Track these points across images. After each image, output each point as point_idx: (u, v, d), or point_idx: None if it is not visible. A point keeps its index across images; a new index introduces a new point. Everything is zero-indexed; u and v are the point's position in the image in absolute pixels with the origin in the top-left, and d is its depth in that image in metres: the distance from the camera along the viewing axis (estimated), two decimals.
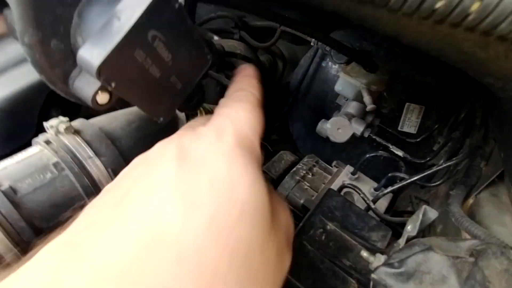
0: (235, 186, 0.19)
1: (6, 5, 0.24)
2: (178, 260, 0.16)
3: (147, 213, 0.18)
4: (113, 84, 0.23)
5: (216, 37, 0.79)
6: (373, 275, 0.29)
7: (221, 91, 0.82)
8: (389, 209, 0.55)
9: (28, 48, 0.22)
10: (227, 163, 0.20)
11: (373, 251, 0.35)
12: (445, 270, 0.27)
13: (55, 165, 0.36)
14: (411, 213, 0.62)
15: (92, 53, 0.21)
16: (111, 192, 0.23)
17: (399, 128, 0.71)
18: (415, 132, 0.70)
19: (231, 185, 0.19)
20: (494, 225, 0.38)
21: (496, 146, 0.45)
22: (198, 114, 0.40)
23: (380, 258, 0.33)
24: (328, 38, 0.55)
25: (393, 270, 0.28)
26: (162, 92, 0.28)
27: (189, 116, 0.44)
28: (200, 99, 0.35)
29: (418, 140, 0.64)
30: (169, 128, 0.52)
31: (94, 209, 0.22)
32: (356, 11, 0.18)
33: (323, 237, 0.36)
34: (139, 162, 0.25)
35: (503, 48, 0.16)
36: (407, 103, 0.70)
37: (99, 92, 0.24)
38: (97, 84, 0.24)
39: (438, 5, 0.13)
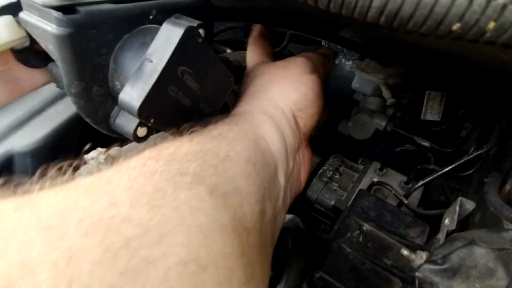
0: None
1: (51, 59, 0.26)
2: None
3: None
4: (152, 120, 0.25)
5: (228, 50, 0.81)
6: (417, 273, 0.30)
7: None
8: (422, 202, 0.54)
9: (74, 97, 0.24)
10: None
11: (413, 248, 0.35)
12: (492, 263, 0.27)
13: None
14: (445, 203, 0.61)
15: (132, 95, 0.23)
16: None
17: (422, 117, 0.70)
18: (439, 120, 0.68)
19: None
20: None
21: None
22: None
23: (422, 255, 0.33)
24: (339, 37, 0.55)
25: (437, 267, 0.29)
26: (193, 118, 0.30)
27: None
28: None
29: (443, 127, 0.63)
30: None
31: None
32: (373, 30, 0.18)
33: (361, 238, 0.37)
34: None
35: None
36: (428, 91, 0.69)
37: (139, 127, 0.27)
38: (136, 121, 0.26)
39: (454, 27, 0.14)
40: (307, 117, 0.35)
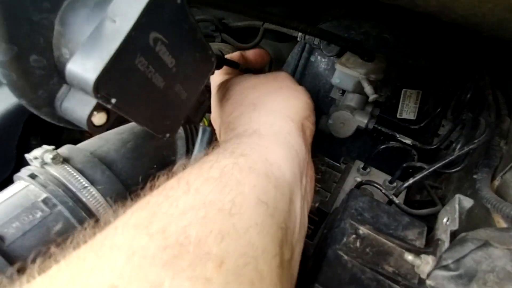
0: None
1: None
2: None
3: None
4: (113, 101, 0.19)
5: None
6: (428, 281, 0.26)
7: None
8: (405, 201, 0.53)
9: (2, 68, 0.18)
10: None
11: (416, 252, 0.32)
12: (510, 266, 0.25)
13: (45, 201, 0.31)
14: (425, 202, 0.60)
15: (85, 65, 0.17)
16: None
17: (398, 116, 0.69)
18: (414, 118, 0.68)
19: None
20: None
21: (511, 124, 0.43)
22: (201, 125, 0.36)
23: (428, 260, 0.30)
24: (322, 31, 0.52)
25: (450, 273, 0.26)
26: (167, 105, 0.24)
27: (191, 129, 0.40)
28: (205, 108, 0.32)
29: (421, 125, 0.62)
30: (167, 143, 0.47)
31: None
32: None
33: (358, 243, 0.33)
34: None
35: None
36: (404, 89, 0.69)
37: (95, 112, 0.20)
38: (92, 102, 0.19)
39: None
40: (311, 125, 0.32)
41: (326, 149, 0.80)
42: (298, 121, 0.31)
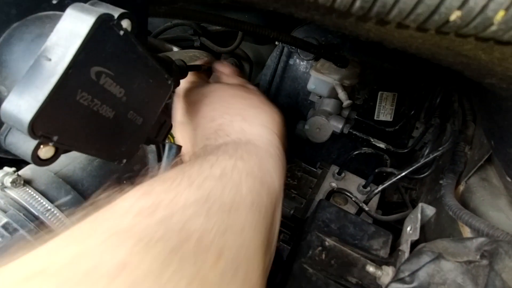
0: None
1: None
2: None
3: None
4: (55, 138, 0.19)
5: (175, 48, 0.74)
6: None
7: None
8: (379, 204, 0.54)
9: None
10: None
11: (378, 262, 0.32)
12: (460, 279, 0.25)
13: (5, 226, 0.31)
14: (400, 203, 0.62)
15: (20, 106, 0.17)
16: None
17: (375, 118, 0.70)
18: (391, 120, 0.69)
19: None
20: (490, 211, 0.37)
21: (476, 129, 0.44)
22: (167, 142, 0.36)
23: (388, 271, 0.31)
24: (294, 38, 0.53)
25: (405, 286, 0.26)
26: (120, 132, 0.24)
27: (159, 145, 0.40)
28: (167, 126, 0.31)
29: (396, 127, 0.63)
30: (138, 158, 0.47)
31: None
32: (338, 25, 0.15)
33: (323, 256, 0.34)
34: None
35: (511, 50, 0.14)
36: (380, 92, 0.70)
37: (41, 146, 0.20)
38: (34, 140, 0.19)
39: (453, 17, 0.11)
40: (285, 139, 0.33)
41: (305, 153, 0.81)
42: (281, 136, 0.33)
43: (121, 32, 0.20)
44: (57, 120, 0.18)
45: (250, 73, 0.96)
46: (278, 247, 0.54)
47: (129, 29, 0.21)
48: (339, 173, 0.55)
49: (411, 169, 0.42)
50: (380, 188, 0.44)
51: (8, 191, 0.32)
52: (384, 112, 0.71)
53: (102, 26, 0.19)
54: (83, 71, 0.19)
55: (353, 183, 0.56)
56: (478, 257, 0.27)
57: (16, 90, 0.17)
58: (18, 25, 0.19)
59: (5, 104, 0.17)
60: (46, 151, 0.21)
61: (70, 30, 0.18)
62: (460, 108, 0.44)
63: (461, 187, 0.43)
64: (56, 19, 0.19)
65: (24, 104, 0.17)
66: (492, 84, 0.21)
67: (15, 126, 0.18)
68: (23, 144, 0.20)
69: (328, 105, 0.61)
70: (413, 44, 0.16)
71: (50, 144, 0.19)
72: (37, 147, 0.20)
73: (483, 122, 0.37)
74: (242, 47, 0.89)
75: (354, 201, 0.44)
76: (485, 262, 0.26)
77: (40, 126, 0.17)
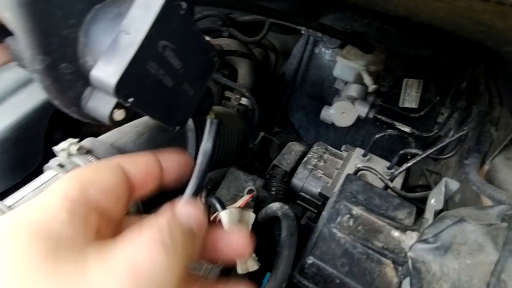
0: None
1: (8, 34, 0.23)
2: None
3: None
4: (130, 100, 0.23)
5: (207, 38, 0.78)
6: (409, 253, 0.29)
7: (219, 91, 0.81)
8: (403, 185, 0.55)
9: (39, 75, 0.22)
10: None
11: (403, 229, 0.35)
12: (481, 239, 0.27)
13: None
14: (425, 186, 0.63)
15: (107, 71, 0.21)
16: None
17: (400, 105, 0.71)
18: (416, 107, 0.70)
19: None
20: None
21: (502, 111, 0.45)
22: (209, 117, 0.40)
23: (412, 235, 0.33)
24: (321, 25, 0.55)
25: (428, 246, 0.29)
26: (176, 101, 0.28)
27: (201, 121, 0.44)
28: (210, 102, 0.35)
29: (421, 114, 0.64)
30: (179, 135, 0.51)
31: None
32: (369, 2, 0.17)
33: (351, 222, 0.36)
34: None
35: None
36: (405, 79, 0.70)
37: (116, 109, 0.24)
38: (112, 101, 0.23)
39: None
40: None
41: (330, 140, 0.83)
42: None
43: (182, 12, 0.24)
44: (133, 84, 0.22)
45: (276, 63, 0.98)
46: (305, 225, 0.57)
47: (185, 8, 0.24)
48: (364, 155, 0.57)
49: (435, 148, 0.43)
50: (404, 167, 0.46)
51: (74, 158, 0.37)
52: (409, 99, 0.72)
53: (168, 6, 0.22)
54: (153, 44, 0.22)
55: (378, 165, 0.57)
56: (499, 221, 0.29)
57: (103, 59, 0.21)
58: (100, 7, 0.23)
59: (94, 71, 0.21)
60: (119, 114, 0.25)
61: (145, 9, 0.22)
62: (486, 91, 0.45)
63: (486, 167, 0.44)
64: (130, 1, 0.23)
65: (110, 69, 0.21)
66: (510, 52, 0.22)
67: (102, 88, 0.22)
68: (102, 107, 0.24)
69: (354, 90, 0.63)
70: (438, 16, 0.18)
71: (127, 104, 0.23)
72: (113, 110, 0.24)
73: (509, 103, 0.38)
74: (268, 37, 0.92)
75: (380, 178, 0.46)
76: (504, 224, 0.28)
77: (122, 88, 0.21)
